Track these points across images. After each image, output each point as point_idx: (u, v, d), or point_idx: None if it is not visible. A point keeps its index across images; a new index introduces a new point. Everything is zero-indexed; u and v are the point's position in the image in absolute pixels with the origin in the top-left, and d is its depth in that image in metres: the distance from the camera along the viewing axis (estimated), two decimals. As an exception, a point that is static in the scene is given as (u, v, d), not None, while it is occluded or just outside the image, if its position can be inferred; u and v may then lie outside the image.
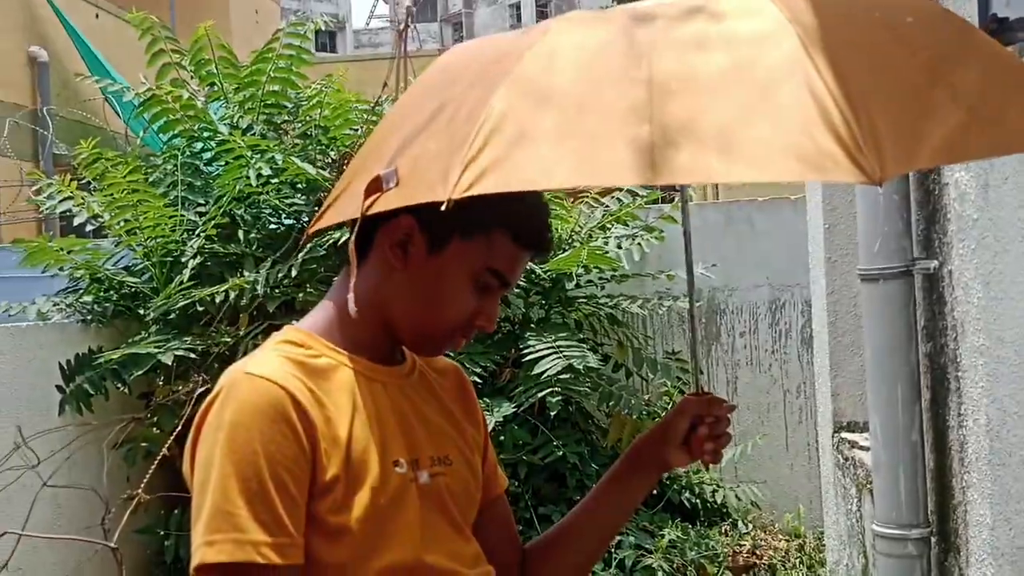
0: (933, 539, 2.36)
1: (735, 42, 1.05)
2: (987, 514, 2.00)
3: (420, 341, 1.29)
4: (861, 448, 2.97)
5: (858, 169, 0.94)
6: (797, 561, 4.43)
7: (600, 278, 4.64)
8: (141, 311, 4.04)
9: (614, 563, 4.00)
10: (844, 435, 3.19)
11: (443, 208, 0.98)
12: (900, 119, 1.03)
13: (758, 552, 4.41)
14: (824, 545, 3.78)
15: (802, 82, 0.99)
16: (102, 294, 4.18)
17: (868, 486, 2.68)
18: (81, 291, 4.21)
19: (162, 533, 3.94)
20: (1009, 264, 1.90)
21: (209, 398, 1.19)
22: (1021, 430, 1.95)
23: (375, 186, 1.12)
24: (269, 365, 1.19)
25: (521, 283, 4.31)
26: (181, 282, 3.91)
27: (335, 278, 1.34)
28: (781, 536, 4.64)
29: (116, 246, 4.31)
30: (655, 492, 4.40)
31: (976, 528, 2.08)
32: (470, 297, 1.25)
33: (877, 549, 2.45)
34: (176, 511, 3.93)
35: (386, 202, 1.12)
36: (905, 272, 2.38)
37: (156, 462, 3.43)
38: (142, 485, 3.33)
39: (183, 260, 4.03)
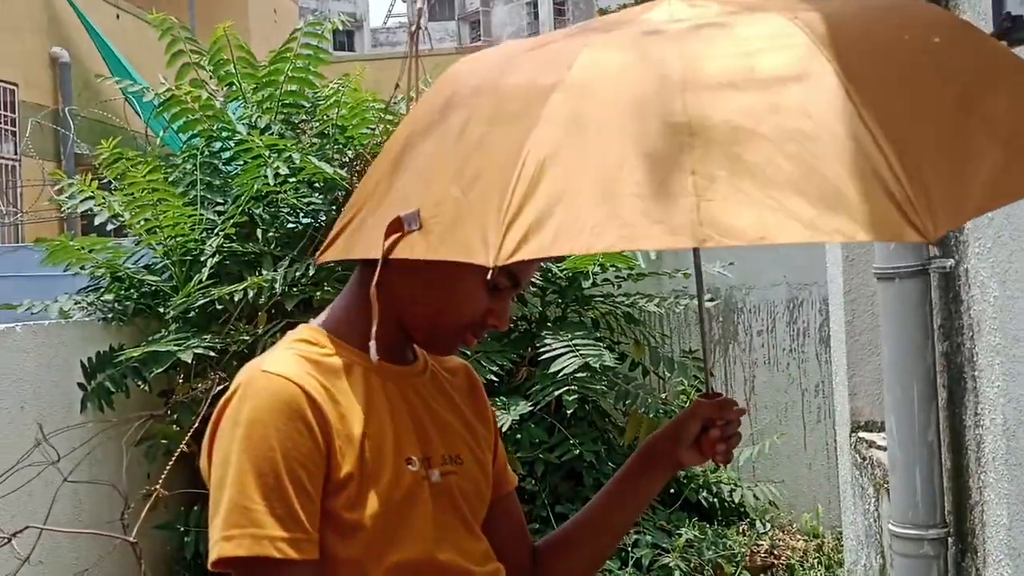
0: (950, 539, 2.35)
1: (772, 83, 1.02)
2: (1004, 514, 1.99)
3: (432, 339, 1.31)
4: (878, 448, 2.96)
5: (912, 229, 0.95)
6: (815, 561, 4.41)
7: (617, 277, 4.64)
8: (161, 309, 4.08)
9: (631, 562, 3.99)
10: (861, 434, 3.18)
11: (488, 277, 0.98)
12: (945, 165, 1.02)
13: (776, 552, 4.39)
14: (842, 545, 3.76)
15: (849, 133, 0.98)
16: (123, 292, 4.21)
17: (885, 486, 2.67)
18: (102, 290, 4.25)
19: (182, 529, 3.98)
20: (1026, 263, 1.89)
21: (226, 395, 1.21)
22: (1038, 430, 1.94)
23: (396, 227, 1.11)
24: (285, 363, 1.21)
25: (538, 282, 4.31)
26: (200, 281, 3.94)
27: (351, 276, 1.35)
28: (799, 536, 4.62)
29: (136, 245, 4.36)
30: (672, 491, 4.39)
31: (993, 528, 2.07)
32: (482, 296, 1.26)
33: (894, 549, 2.44)
34: (196, 508, 3.96)
35: (411, 249, 1.10)
36: (921, 271, 2.37)
37: (174, 459, 3.46)
38: (160, 480, 3.36)
39: (202, 259, 4.06)
